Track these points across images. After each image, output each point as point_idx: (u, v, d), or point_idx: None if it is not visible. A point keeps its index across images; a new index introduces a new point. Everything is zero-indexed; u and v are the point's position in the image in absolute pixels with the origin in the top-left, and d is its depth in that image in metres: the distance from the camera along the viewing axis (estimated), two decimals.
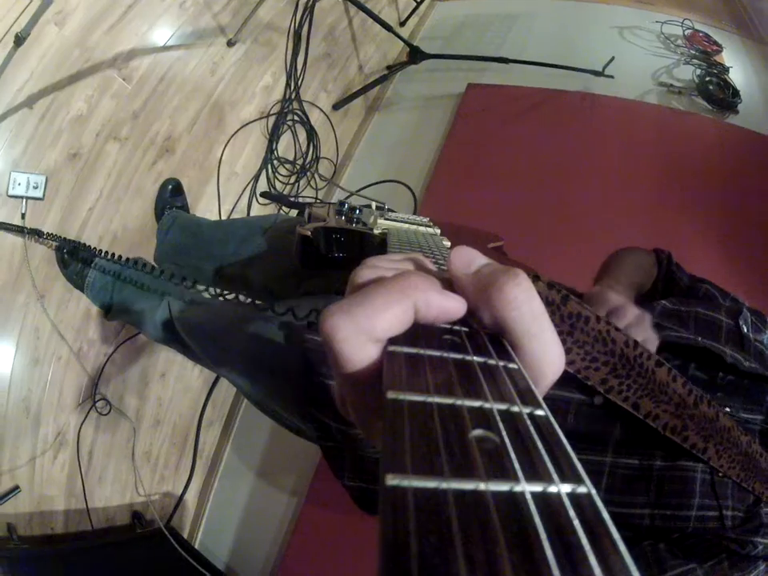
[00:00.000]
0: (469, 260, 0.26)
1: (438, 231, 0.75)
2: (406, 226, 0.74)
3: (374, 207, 0.82)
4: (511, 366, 0.23)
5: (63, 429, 1.43)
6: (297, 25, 2.19)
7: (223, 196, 1.98)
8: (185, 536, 1.64)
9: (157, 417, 1.75)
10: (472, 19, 2.71)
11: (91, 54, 1.46)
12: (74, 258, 1.46)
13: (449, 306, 0.24)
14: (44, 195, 1.38)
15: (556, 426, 0.19)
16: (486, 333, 0.25)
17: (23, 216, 1.34)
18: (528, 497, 0.15)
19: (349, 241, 0.70)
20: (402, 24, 2.72)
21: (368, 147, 2.54)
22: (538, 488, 0.16)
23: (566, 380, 0.51)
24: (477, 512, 0.14)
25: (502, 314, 0.24)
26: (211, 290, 0.88)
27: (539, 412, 0.20)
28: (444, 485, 0.15)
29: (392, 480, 0.15)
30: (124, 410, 1.62)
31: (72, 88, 1.43)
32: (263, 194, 1.52)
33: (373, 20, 2.46)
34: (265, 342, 0.83)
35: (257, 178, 2.14)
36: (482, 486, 0.15)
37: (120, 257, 1.12)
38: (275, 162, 2.27)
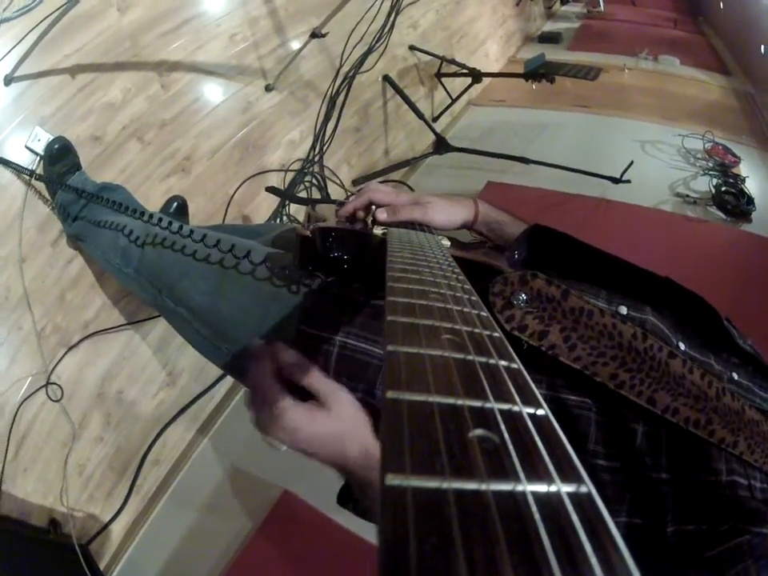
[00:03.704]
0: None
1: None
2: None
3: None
4: (513, 366, 0.25)
5: (2, 400, 1.43)
6: (334, 91, 2.50)
7: None
8: (101, 566, 1.55)
9: (101, 433, 1.72)
10: (502, 125, 3.06)
11: (140, 51, 1.69)
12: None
13: None
14: None
15: (557, 426, 0.20)
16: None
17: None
18: (529, 497, 0.16)
19: (348, 241, 0.74)
20: (435, 120, 3.07)
21: None
22: (538, 488, 0.17)
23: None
24: (477, 512, 0.15)
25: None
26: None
27: (540, 412, 0.21)
28: (444, 485, 0.16)
29: (392, 480, 0.16)
30: (69, 411, 1.62)
31: (114, 75, 1.63)
32: (269, 189, 1.66)
33: (408, 107, 2.80)
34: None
35: None
36: (483, 486, 0.16)
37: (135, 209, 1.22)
38: (285, 217, 2.46)
